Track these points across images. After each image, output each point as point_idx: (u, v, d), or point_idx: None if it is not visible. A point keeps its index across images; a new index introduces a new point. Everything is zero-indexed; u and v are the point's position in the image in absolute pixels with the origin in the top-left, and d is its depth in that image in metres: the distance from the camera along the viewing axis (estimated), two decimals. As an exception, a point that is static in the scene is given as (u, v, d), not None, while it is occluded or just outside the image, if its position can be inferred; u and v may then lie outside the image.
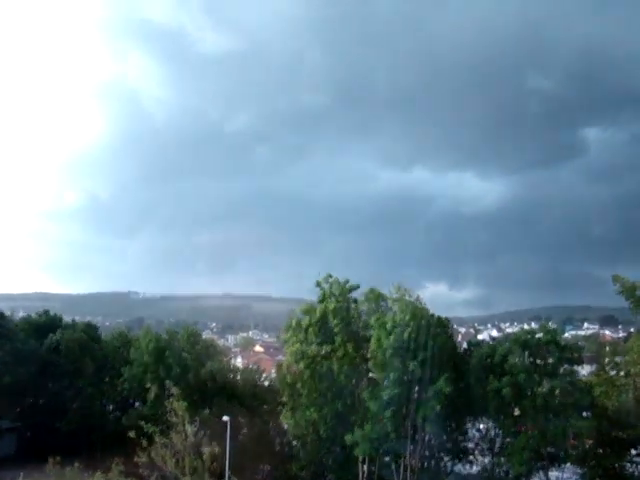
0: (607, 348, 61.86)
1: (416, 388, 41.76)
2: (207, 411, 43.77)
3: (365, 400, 42.72)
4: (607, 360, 48.31)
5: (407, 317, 41.11)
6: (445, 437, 45.01)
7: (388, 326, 41.04)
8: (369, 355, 43.43)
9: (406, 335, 40.33)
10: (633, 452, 43.27)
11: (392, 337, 40.48)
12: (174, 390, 32.15)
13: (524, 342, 41.99)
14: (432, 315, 43.01)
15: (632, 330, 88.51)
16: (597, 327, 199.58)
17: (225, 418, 44.68)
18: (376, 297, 45.69)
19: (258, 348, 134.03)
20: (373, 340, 41.91)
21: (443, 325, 44.22)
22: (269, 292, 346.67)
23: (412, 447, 42.68)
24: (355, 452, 42.54)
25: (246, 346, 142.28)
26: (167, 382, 37.01)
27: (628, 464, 43.10)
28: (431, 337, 41.53)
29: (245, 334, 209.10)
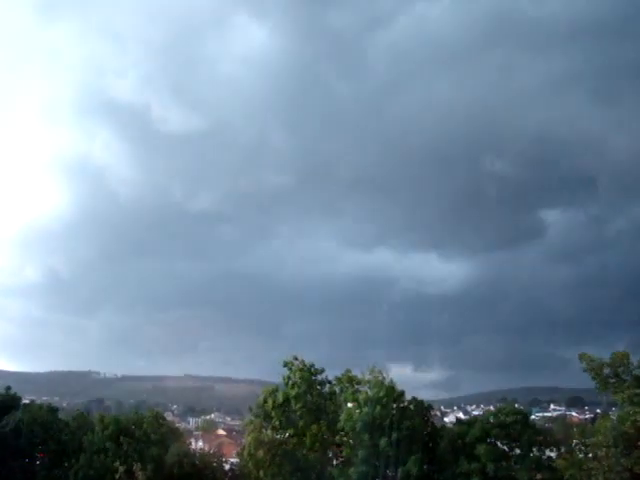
0: (574, 430, 61.40)
1: (385, 467, 40.96)
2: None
3: (334, 478, 41.65)
4: (575, 442, 47.84)
5: (381, 393, 40.71)
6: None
7: (361, 400, 40.52)
8: (339, 432, 42.68)
9: (377, 411, 39.74)
10: None
11: (364, 411, 39.86)
12: (140, 474, 30.77)
13: (497, 424, 41.53)
14: (403, 394, 42.74)
15: (599, 411, 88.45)
16: (564, 408, 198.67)
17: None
18: (349, 379, 45.31)
19: (220, 431, 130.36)
20: (344, 415, 41.26)
21: (420, 406, 43.76)
22: (231, 373, 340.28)
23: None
24: None
25: (208, 429, 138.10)
26: (134, 465, 35.58)
27: None
28: (405, 416, 41.00)
29: (207, 417, 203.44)
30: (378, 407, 40.12)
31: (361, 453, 40.24)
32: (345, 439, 41.81)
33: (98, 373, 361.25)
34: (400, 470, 39.59)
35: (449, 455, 41.52)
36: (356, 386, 45.12)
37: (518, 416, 42.11)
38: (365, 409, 39.91)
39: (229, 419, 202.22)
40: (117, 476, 42.42)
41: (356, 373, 46.07)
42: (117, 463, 43.66)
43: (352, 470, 40.15)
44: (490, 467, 39.14)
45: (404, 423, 40.87)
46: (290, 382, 45.10)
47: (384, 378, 43.45)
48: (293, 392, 43.99)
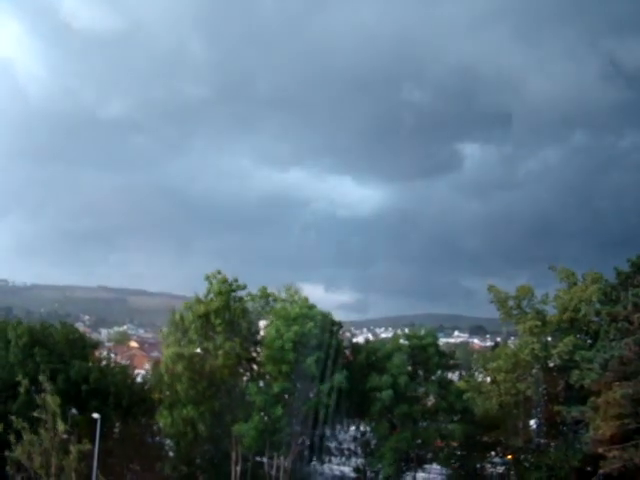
0: (475, 356, 64.85)
1: (306, 384, 42.24)
2: (74, 411, 42.19)
3: (251, 395, 42.52)
4: (475, 368, 50.78)
5: (311, 312, 41.57)
6: (321, 438, 45.72)
7: (292, 317, 41.07)
8: (262, 347, 43.39)
9: (307, 328, 40.54)
10: (493, 454, 45.77)
11: (294, 329, 40.44)
12: (47, 385, 30.66)
13: (408, 344, 43.49)
14: (328, 315, 43.79)
15: (499, 339, 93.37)
16: (467, 336, 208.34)
17: (95, 416, 43.19)
18: (266, 296, 45.78)
19: (133, 343, 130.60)
20: (270, 331, 41.73)
21: (337, 325, 45.14)
22: (144, 286, 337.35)
23: (286, 447, 43.03)
24: (244, 442, 42.05)
25: (120, 341, 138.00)
26: (40, 377, 35.18)
27: (489, 465, 45.55)
28: (328, 335, 42.18)
29: (119, 329, 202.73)
30: (308, 324, 40.84)
31: (285, 368, 40.88)
32: (267, 356, 42.33)
33: (6, 281, 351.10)
34: (327, 385, 40.81)
35: (364, 370, 43.27)
36: (271, 303, 45.65)
37: (430, 339, 44.16)
38: (295, 327, 40.47)
39: (142, 331, 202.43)
40: (22, 389, 41.80)
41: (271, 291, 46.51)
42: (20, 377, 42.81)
43: (276, 385, 40.87)
44: (401, 379, 41.04)
45: (329, 341, 42.03)
46: (210, 296, 44.97)
47: (299, 297, 44.30)
48: (213, 306, 44.03)
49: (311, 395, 42.11)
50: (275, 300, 45.59)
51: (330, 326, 43.70)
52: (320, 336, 41.37)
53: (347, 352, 47.04)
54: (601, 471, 32.46)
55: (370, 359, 43.96)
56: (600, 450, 32.22)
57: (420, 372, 43.84)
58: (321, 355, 40.77)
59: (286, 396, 41.91)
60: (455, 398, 42.38)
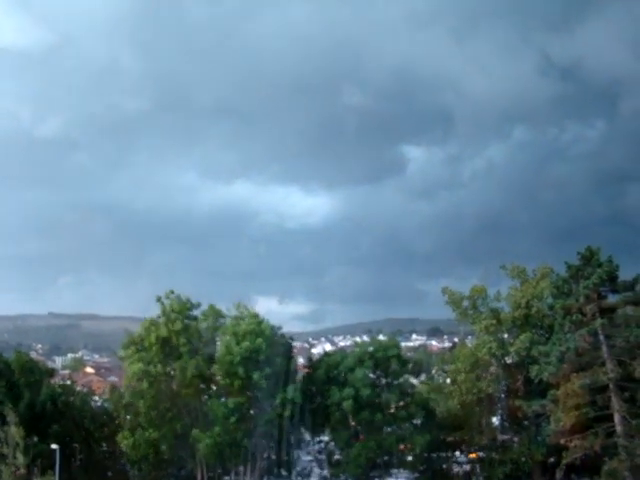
0: (434, 358, 65.60)
1: (260, 398, 42.20)
2: (36, 439, 41.19)
3: (211, 410, 42.35)
4: (435, 369, 51.30)
5: (260, 327, 41.63)
6: (285, 451, 45.55)
7: (239, 333, 41.11)
8: (215, 363, 43.17)
9: (256, 345, 40.63)
10: (458, 454, 46.24)
11: (243, 345, 40.52)
12: (11, 417, 29.50)
13: (370, 354, 43.65)
14: (278, 329, 43.85)
15: (456, 340, 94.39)
16: (424, 338, 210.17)
17: (54, 446, 42.14)
18: (216, 314, 45.61)
19: (89, 369, 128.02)
20: (222, 347, 41.75)
21: (287, 339, 45.25)
22: (96, 310, 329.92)
23: (252, 463, 42.90)
24: (199, 447, 41.63)
25: (76, 367, 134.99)
26: (4, 408, 33.99)
27: (454, 464, 45.99)
28: (278, 350, 42.22)
29: (74, 355, 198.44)
30: (257, 340, 40.93)
31: (237, 384, 41.04)
32: (220, 371, 42.32)
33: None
34: (278, 398, 40.88)
35: (324, 383, 43.32)
36: (220, 320, 45.49)
37: (394, 350, 44.42)
38: (245, 343, 40.53)
39: (97, 356, 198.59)
40: None
41: (222, 307, 46.49)
42: None
43: (230, 401, 40.92)
44: (364, 392, 41.21)
45: (277, 356, 42.08)
46: (167, 317, 44.40)
47: (250, 313, 44.30)
48: (176, 328, 43.49)
49: (268, 409, 42.06)
50: (223, 317, 45.46)
51: (281, 340, 44.00)
52: (270, 350, 41.55)
53: (304, 365, 47.19)
54: (564, 462, 32.95)
55: (331, 373, 43.99)
56: (562, 441, 32.77)
57: (382, 380, 43.97)
58: (273, 369, 41.03)
59: (243, 410, 41.68)
60: (417, 403, 42.71)
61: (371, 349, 44.97)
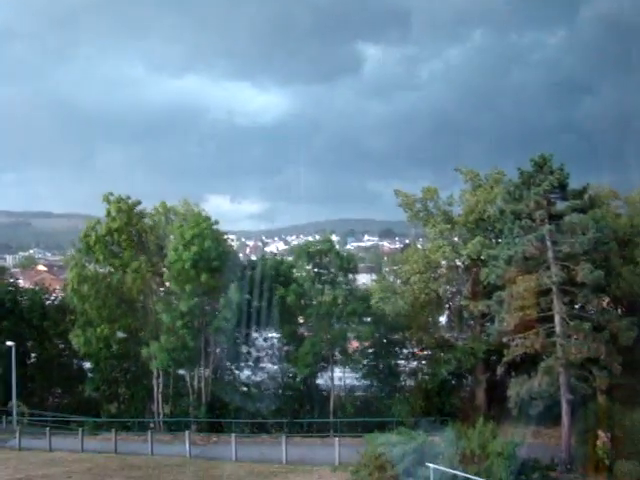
0: (386, 258, 66.87)
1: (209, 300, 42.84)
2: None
3: (158, 313, 42.84)
4: (387, 269, 52.41)
5: (204, 230, 41.54)
6: (236, 347, 46.69)
7: (187, 237, 41.15)
8: (164, 267, 43.42)
9: (205, 247, 40.84)
10: (405, 351, 48.02)
11: (192, 249, 40.65)
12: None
13: (307, 253, 44.36)
14: (217, 229, 44.04)
15: (407, 241, 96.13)
16: (377, 239, 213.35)
17: (9, 343, 42.47)
18: (166, 210, 45.46)
19: (41, 267, 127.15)
20: (171, 251, 41.80)
21: (234, 239, 45.53)
22: (49, 208, 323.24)
23: (205, 359, 43.89)
24: (151, 366, 42.69)
25: (28, 266, 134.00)
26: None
27: (402, 361, 47.84)
28: (222, 250, 42.47)
29: (25, 253, 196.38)
30: (205, 243, 41.09)
31: (188, 287, 41.36)
32: (170, 277, 42.56)
33: None
34: (223, 299, 41.55)
35: (269, 283, 44.06)
36: (173, 217, 45.44)
37: (326, 245, 45.10)
38: (194, 248, 40.64)
39: (49, 255, 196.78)
40: None
41: (174, 204, 46.34)
42: None
43: (182, 303, 41.33)
44: (307, 285, 42.48)
45: (224, 256, 42.37)
46: (111, 216, 44.54)
47: (200, 211, 44.27)
48: (115, 225, 43.65)
49: (218, 310, 42.76)
50: (176, 214, 45.31)
51: (227, 241, 44.48)
52: (218, 253, 41.79)
53: (254, 265, 47.79)
54: (505, 359, 34.55)
55: (278, 272, 44.77)
56: (505, 340, 34.29)
57: (324, 278, 44.74)
58: (223, 270, 41.51)
59: (196, 313, 42.27)
60: (359, 301, 43.72)
61: (307, 252, 45.47)
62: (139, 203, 46.06)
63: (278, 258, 47.79)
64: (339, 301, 43.12)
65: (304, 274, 43.94)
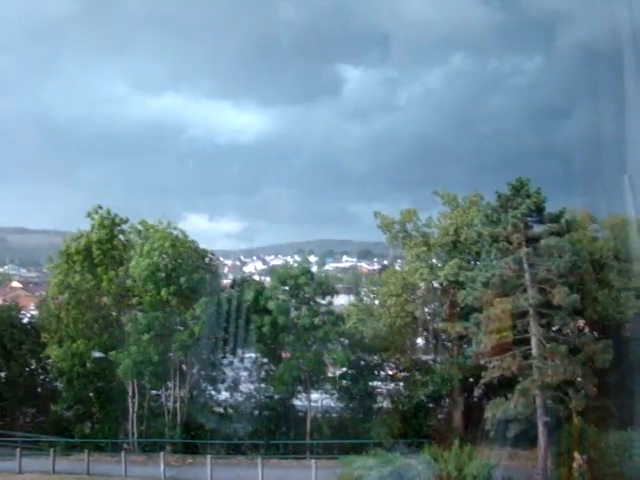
0: (364, 279, 67.01)
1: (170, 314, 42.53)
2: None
3: (126, 326, 42.70)
4: (364, 290, 52.53)
5: (166, 244, 41.49)
6: (212, 367, 46.37)
7: (145, 250, 41.07)
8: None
9: (163, 260, 40.76)
10: (382, 373, 48.00)
11: (147, 261, 40.59)
12: None
13: (283, 279, 44.27)
14: (191, 245, 43.86)
15: (385, 262, 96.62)
16: (355, 260, 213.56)
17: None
18: (148, 228, 45.41)
19: (15, 284, 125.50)
20: (132, 264, 41.72)
21: (202, 255, 45.23)
22: (24, 224, 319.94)
23: (180, 378, 43.57)
24: (118, 371, 42.18)
25: (1, 282, 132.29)
26: None
27: (377, 383, 47.77)
28: (190, 266, 42.32)
29: (0, 269, 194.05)
30: (163, 257, 41.17)
31: (148, 300, 41.33)
32: (135, 286, 42.48)
33: None
34: (189, 314, 41.33)
35: (246, 313, 43.88)
36: (149, 234, 45.32)
37: (303, 278, 44.94)
38: (154, 259, 40.64)
39: (24, 271, 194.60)
40: None
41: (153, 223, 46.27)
42: None
43: (142, 316, 41.19)
44: (281, 319, 42.08)
45: (190, 273, 42.14)
46: (96, 228, 44.75)
47: (173, 229, 44.20)
48: (94, 238, 43.78)
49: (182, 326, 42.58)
50: (156, 232, 45.18)
51: (198, 255, 44.31)
52: (182, 266, 42.01)
53: (232, 284, 47.68)
54: (482, 381, 34.67)
55: (256, 298, 44.58)
56: (482, 362, 34.45)
57: (300, 304, 44.59)
58: (185, 286, 41.27)
59: (156, 327, 41.90)
60: (334, 324, 43.58)
61: (284, 276, 45.36)
62: (126, 221, 45.94)
63: (256, 288, 47.33)
64: (315, 323, 43.04)
65: (281, 299, 43.65)
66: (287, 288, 44.63)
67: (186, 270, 42.03)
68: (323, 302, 45.17)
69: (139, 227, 45.95)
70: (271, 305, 42.61)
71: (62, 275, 43.87)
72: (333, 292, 46.70)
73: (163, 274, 41.35)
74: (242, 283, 48.29)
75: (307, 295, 44.53)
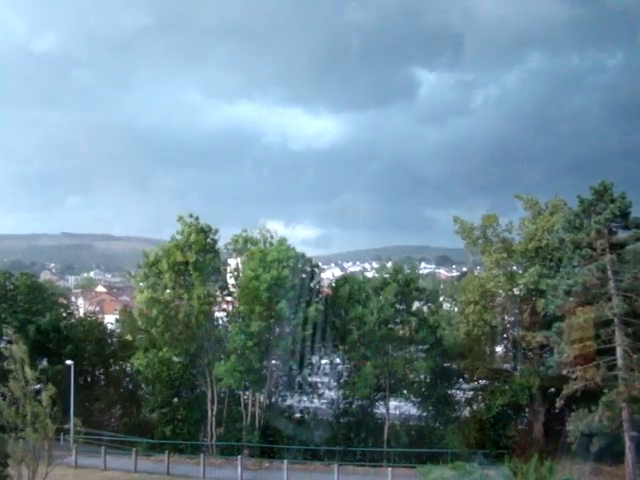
0: (442, 286, 66.19)
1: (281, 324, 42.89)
2: (45, 363, 42.58)
3: (222, 338, 43.66)
4: (443, 298, 51.86)
5: (288, 255, 41.75)
6: (292, 373, 46.69)
7: (268, 260, 41.26)
8: (238, 287, 43.69)
9: (285, 272, 40.92)
10: (460, 381, 47.27)
11: (271, 272, 40.76)
12: (12, 335, 30.15)
13: (392, 280, 44.25)
14: (302, 255, 44.14)
15: (464, 269, 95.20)
16: (434, 266, 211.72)
17: (68, 362, 43.60)
18: (244, 241, 45.66)
19: (100, 288, 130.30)
20: (247, 273, 41.96)
21: (312, 265, 45.60)
22: (110, 231, 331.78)
23: (262, 382, 44.01)
24: (222, 384, 42.98)
25: (88, 287, 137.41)
26: (5, 328, 34.71)
27: (458, 391, 47.05)
28: (302, 277, 42.80)
29: (86, 274, 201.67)
30: (284, 269, 41.18)
31: (258, 310, 41.25)
32: (242, 297, 42.61)
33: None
34: (299, 319, 41.73)
35: (346, 303, 44.06)
36: (250, 246, 45.40)
37: (413, 275, 44.87)
38: (273, 272, 40.68)
39: (109, 276, 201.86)
40: None
41: (235, 230, 46.63)
42: None
43: (253, 324, 41.12)
44: (388, 310, 42.32)
45: (302, 282, 42.59)
46: (184, 243, 44.31)
47: (279, 239, 44.41)
48: (193, 257, 43.57)
49: (287, 334, 42.87)
50: (253, 244, 45.40)
51: (306, 267, 44.43)
52: (295, 279, 42.05)
53: (324, 288, 47.76)
54: (565, 392, 33.64)
55: (353, 292, 44.51)
56: (564, 372, 33.40)
57: (400, 306, 44.48)
58: (296, 295, 41.58)
59: (264, 335, 42.35)
60: (427, 331, 43.28)
61: (388, 275, 45.25)
62: (216, 232, 45.82)
63: (358, 280, 47.24)
64: (408, 329, 42.96)
65: (388, 298, 43.52)
66: (393, 289, 44.35)
67: (298, 279, 42.61)
68: (416, 308, 45.25)
69: (238, 240, 46.01)
70: (375, 299, 42.84)
71: (151, 290, 43.87)
72: (433, 300, 46.65)
73: (282, 285, 41.40)
74: (342, 282, 47.71)
75: (408, 298, 44.58)
